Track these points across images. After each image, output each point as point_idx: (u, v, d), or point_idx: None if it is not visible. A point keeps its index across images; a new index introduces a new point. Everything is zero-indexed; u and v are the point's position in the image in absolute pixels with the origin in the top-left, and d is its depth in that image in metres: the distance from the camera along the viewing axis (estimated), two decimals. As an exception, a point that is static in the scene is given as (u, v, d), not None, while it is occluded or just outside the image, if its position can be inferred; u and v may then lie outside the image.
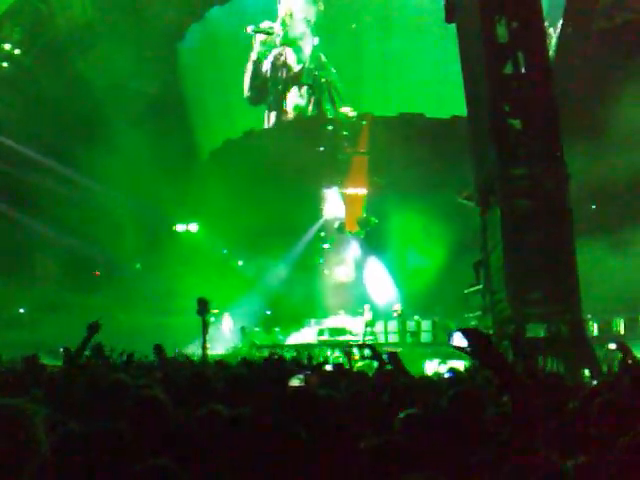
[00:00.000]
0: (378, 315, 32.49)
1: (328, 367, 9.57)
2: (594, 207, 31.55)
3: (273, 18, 41.72)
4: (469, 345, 3.20)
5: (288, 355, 16.22)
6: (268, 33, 41.56)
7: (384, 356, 7.25)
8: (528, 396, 3.28)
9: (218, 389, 5.34)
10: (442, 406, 3.95)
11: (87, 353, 9.11)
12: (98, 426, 3.14)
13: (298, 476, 3.25)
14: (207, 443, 3.56)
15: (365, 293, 36.05)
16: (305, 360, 11.01)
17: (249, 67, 42.27)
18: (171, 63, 39.32)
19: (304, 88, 41.81)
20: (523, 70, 16.48)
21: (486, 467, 3.32)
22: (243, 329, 33.06)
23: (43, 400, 5.25)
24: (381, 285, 36.21)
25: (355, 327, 31.07)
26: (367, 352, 7.99)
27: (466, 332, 3.25)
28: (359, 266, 38.24)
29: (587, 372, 13.79)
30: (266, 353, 20.23)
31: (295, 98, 41.89)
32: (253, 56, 42.29)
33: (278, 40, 41.85)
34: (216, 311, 29.84)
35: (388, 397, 5.03)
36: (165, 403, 3.90)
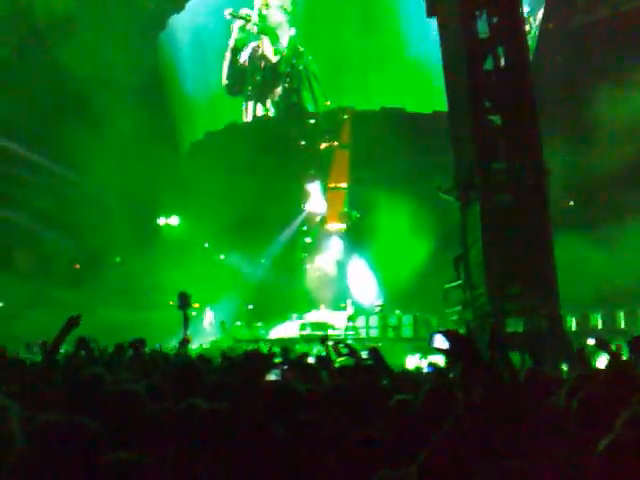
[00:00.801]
0: (360, 310, 32.56)
1: (310, 359, 9.51)
2: (572, 203, 31.74)
3: (252, 6, 41.92)
4: (450, 347, 3.22)
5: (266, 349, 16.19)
6: (246, 19, 41.65)
7: (364, 353, 7.25)
8: (507, 396, 3.31)
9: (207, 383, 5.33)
10: (417, 401, 3.97)
11: (66, 347, 9.07)
12: (70, 419, 3.13)
13: (276, 472, 3.26)
14: (185, 438, 3.56)
15: (347, 288, 36.10)
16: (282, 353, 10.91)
17: (227, 55, 42.30)
18: (152, 53, 39.10)
19: (279, 88, 41.99)
20: (503, 65, 16.56)
21: (462, 464, 3.33)
22: (222, 323, 33.00)
23: (19, 395, 5.22)
24: (363, 280, 36.26)
25: (337, 322, 31.10)
26: (344, 350, 7.98)
27: (447, 334, 3.27)
28: (341, 261, 38.26)
29: (565, 367, 13.90)
30: (247, 347, 20.22)
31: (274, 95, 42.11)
32: (231, 43, 42.30)
33: (255, 29, 41.93)
34: (197, 305, 29.78)
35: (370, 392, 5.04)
36: (142, 397, 3.89)
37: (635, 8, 32.12)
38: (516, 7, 16.82)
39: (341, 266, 37.92)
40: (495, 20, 16.49)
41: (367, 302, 33.89)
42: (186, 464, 3.45)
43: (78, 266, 37.70)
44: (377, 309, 32.03)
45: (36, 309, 29.54)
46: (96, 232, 34.67)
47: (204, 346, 28.37)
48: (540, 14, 36.27)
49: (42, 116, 33.11)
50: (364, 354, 7.59)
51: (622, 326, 26.08)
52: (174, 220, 38.72)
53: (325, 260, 38.59)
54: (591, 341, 14.74)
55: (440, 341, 3.25)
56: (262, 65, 42.28)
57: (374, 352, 6.59)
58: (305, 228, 39.60)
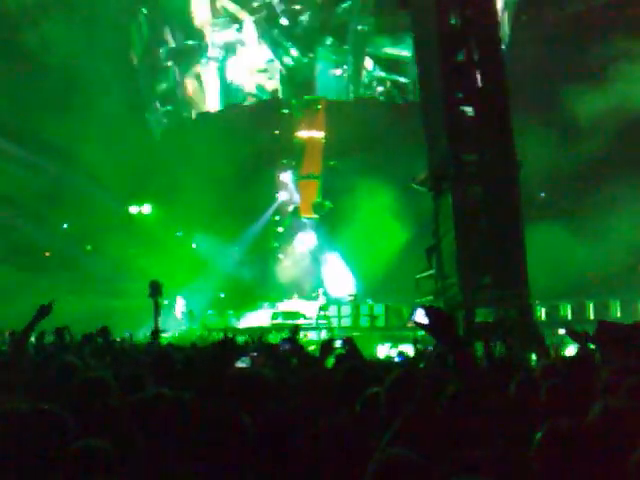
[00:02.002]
0: (332, 299, 32.64)
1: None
2: (543, 195, 32.04)
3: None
4: (429, 323, 3.27)
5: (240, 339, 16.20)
6: None
7: (338, 342, 7.26)
8: (480, 378, 3.36)
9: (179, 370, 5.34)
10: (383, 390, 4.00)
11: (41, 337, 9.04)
12: (37, 408, 3.13)
13: (242, 461, 3.26)
14: (151, 426, 3.56)
15: (319, 277, 36.16)
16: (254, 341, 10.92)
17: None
18: (124, 42, 38.75)
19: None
20: (476, 57, 16.64)
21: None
22: (191, 312, 32.96)
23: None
24: (337, 271, 36.34)
25: (309, 311, 31.15)
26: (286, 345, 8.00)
27: (428, 310, 3.32)
28: (314, 250, 38.30)
29: (534, 356, 14.05)
30: (219, 336, 20.16)
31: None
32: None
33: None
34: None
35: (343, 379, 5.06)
36: (111, 385, 3.89)
37: (607, 3, 32.44)
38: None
39: (314, 256, 37.98)
40: (468, 12, 16.56)
41: (340, 292, 33.95)
42: (153, 453, 3.45)
43: (49, 254, 37.34)
44: (349, 299, 32.13)
45: (6, 297, 29.22)
46: (67, 220, 34.35)
47: (172, 335, 28.26)
48: (514, 9, 36.43)
49: (11, 103, 32.68)
50: (338, 343, 7.62)
51: (591, 317, 26.42)
52: (147, 208, 38.49)
53: (298, 250, 38.62)
54: (562, 331, 14.92)
55: (421, 316, 3.30)
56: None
57: (348, 341, 6.63)
58: (277, 218, 39.60)
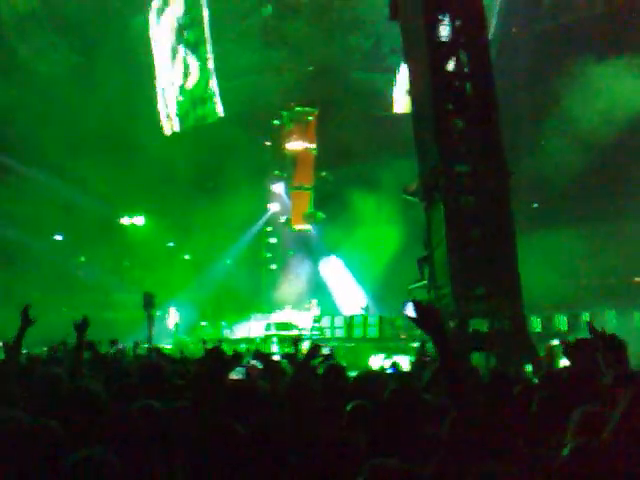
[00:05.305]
0: (326, 310, 32.63)
1: (276, 358, 9.49)
2: (536, 205, 32.12)
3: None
4: (417, 316, 3.34)
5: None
6: None
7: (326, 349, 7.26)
8: (463, 373, 3.37)
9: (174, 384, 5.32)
10: (381, 400, 3.99)
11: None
12: (33, 420, 3.11)
13: (237, 472, 3.25)
14: (141, 437, 3.54)
15: (312, 288, 36.13)
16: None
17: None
18: (116, 54, 38.81)
19: None
20: (466, 69, 16.70)
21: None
22: (177, 325, 32.94)
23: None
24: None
25: (302, 322, 31.11)
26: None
27: (416, 304, 3.39)
28: (306, 261, 38.27)
29: (529, 368, 14.03)
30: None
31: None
32: None
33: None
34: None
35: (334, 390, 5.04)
36: (99, 396, 3.87)
37: (595, 15, 32.67)
38: (479, 11, 17.00)
39: (306, 267, 37.94)
40: (458, 23, 16.63)
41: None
42: (143, 463, 3.43)
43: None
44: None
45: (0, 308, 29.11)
46: (60, 231, 34.25)
47: (170, 347, 28.18)
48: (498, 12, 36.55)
49: (5, 114, 32.70)
50: (326, 349, 7.65)
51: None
52: (139, 220, 38.49)
53: (290, 260, 38.60)
54: (555, 342, 14.89)
55: (411, 310, 3.39)
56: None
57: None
58: (270, 229, 39.61)
